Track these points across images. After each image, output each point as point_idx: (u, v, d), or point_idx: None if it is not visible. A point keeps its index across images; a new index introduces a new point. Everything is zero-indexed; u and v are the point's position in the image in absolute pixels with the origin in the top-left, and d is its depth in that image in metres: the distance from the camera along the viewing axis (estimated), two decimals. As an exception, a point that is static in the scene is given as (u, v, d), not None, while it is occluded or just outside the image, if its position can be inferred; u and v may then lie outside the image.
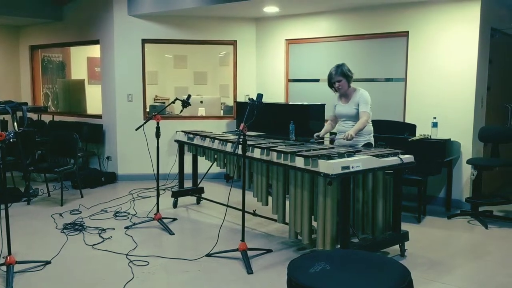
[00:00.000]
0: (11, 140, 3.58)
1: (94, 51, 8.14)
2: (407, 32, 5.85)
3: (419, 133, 5.56)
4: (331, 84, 4.51)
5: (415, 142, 5.28)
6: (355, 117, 4.45)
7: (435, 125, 5.44)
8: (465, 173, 5.60)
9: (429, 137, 5.40)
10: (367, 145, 4.49)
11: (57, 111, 8.59)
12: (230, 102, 7.77)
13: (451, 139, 5.42)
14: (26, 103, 6.55)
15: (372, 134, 4.60)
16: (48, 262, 3.95)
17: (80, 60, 9.27)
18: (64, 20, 7.86)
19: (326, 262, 2.20)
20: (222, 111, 7.86)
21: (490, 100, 5.94)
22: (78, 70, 9.24)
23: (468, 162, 5.32)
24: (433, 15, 5.63)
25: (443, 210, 5.60)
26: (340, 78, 4.43)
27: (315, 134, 4.75)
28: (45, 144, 6.67)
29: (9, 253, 3.65)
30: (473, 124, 5.47)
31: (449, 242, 4.61)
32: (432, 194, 5.80)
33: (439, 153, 5.23)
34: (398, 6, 5.86)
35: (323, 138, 4.72)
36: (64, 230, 4.82)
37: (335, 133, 4.86)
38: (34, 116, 8.15)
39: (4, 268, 3.65)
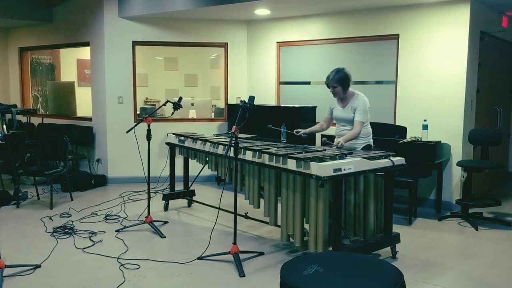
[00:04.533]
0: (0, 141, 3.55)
1: (84, 53, 8.10)
2: (398, 35, 5.89)
3: (410, 135, 5.59)
4: (328, 86, 4.46)
5: (406, 144, 5.31)
6: (352, 122, 4.41)
7: (425, 127, 5.48)
8: (455, 175, 5.64)
9: (419, 140, 5.44)
10: (367, 147, 4.46)
11: (46, 113, 8.52)
12: (221, 105, 7.76)
13: (441, 142, 5.45)
14: (15, 105, 6.49)
15: (371, 136, 4.57)
16: (38, 266, 3.91)
17: (69, 62, 9.20)
18: (53, 22, 7.81)
19: (319, 264, 2.19)
20: (213, 114, 7.85)
21: (480, 103, 6.00)
22: (67, 72, 9.18)
23: (458, 164, 5.36)
24: (423, 18, 5.67)
25: (433, 212, 5.63)
26: (335, 84, 4.37)
27: (295, 130, 4.67)
28: (35, 147, 6.61)
29: (-2, 257, 3.62)
30: (463, 127, 5.52)
31: (439, 244, 4.63)
32: (422, 196, 5.84)
33: (429, 155, 5.26)
34: (388, 9, 5.90)
35: (300, 135, 4.64)
36: (54, 234, 4.77)
37: (326, 136, 4.85)
38: (23, 119, 8.08)
39: (-7, 272, 3.61)
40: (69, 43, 7.73)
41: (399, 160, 4.06)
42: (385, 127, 5.70)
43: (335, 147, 4.28)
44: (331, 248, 3.75)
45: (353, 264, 2.25)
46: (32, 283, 3.63)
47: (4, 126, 6.12)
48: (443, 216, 5.39)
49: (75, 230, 4.86)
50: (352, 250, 3.73)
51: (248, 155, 4.26)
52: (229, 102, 7.39)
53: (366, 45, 6.23)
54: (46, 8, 7.73)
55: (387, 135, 5.51)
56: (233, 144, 3.91)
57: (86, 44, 7.36)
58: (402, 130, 5.64)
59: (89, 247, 4.41)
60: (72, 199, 6.12)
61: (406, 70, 5.86)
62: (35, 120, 8.06)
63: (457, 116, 5.53)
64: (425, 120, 5.51)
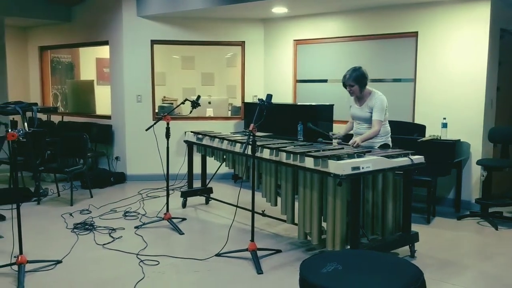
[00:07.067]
0: (21, 138, 3.61)
1: (103, 52, 8.19)
2: (416, 32, 5.84)
3: (429, 134, 5.54)
4: (345, 86, 4.45)
5: (425, 143, 5.27)
6: (369, 120, 4.40)
7: (444, 125, 5.42)
8: (474, 174, 5.58)
9: (438, 138, 5.39)
10: (384, 146, 4.43)
11: (66, 111, 8.64)
12: (238, 103, 7.78)
13: (461, 140, 5.40)
14: (36, 104, 6.59)
15: (389, 134, 4.55)
16: (59, 262, 3.98)
17: (89, 61, 9.32)
18: (73, 21, 7.91)
19: (338, 262, 2.20)
20: (229, 112, 7.88)
21: (500, 101, 5.92)
22: (87, 71, 9.30)
23: (478, 163, 5.30)
24: (442, 15, 5.62)
25: (452, 211, 5.58)
26: (352, 83, 4.36)
27: (331, 133, 4.65)
28: (55, 145, 6.71)
29: (21, 252, 3.68)
30: (482, 125, 5.45)
31: (458, 243, 4.59)
32: (441, 195, 5.78)
33: (448, 154, 5.21)
34: (407, 7, 5.85)
35: (332, 138, 4.62)
36: (75, 230, 4.85)
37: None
38: (44, 117, 8.20)
39: (15, 267, 3.67)
40: (88, 42, 7.84)
41: (418, 158, 4.03)
42: (403, 125, 5.65)
43: (350, 146, 4.27)
44: (348, 247, 3.74)
45: (373, 262, 2.25)
46: (53, 279, 3.70)
47: (25, 124, 6.24)
48: (462, 215, 5.33)
49: (95, 227, 4.93)
50: (370, 249, 3.72)
51: (265, 153, 4.27)
52: (245, 101, 7.41)
53: (384, 42, 6.19)
54: (65, 8, 7.84)
55: (406, 134, 5.48)
56: (250, 142, 3.92)
57: (105, 43, 7.45)
58: (421, 129, 5.60)
59: (109, 243, 4.47)
60: (91, 196, 6.21)
61: (425, 68, 5.81)
62: (55, 118, 8.18)
63: (477, 114, 5.46)
64: (444, 118, 5.46)
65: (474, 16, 5.39)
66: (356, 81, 4.36)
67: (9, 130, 3.55)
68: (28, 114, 6.33)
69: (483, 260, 4.17)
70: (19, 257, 3.66)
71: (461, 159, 5.46)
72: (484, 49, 5.36)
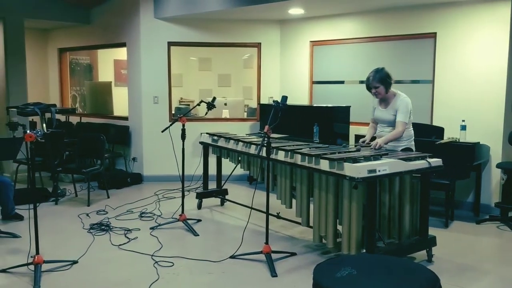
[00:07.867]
0: (39, 138, 3.65)
1: (121, 53, 8.26)
2: (435, 33, 5.76)
3: (447, 136, 5.46)
4: (369, 88, 4.38)
5: (443, 145, 5.19)
6: (393, 123, 4.32)
7: (463, 128, 5.33)
8: (494, 177, 5.47)
9: (457, 141, 5.30)
10: (406, 150, 4.33)
11: (84, 112, 8.73)
12: (254, 104, 7.77)
13: (480, 143, 5.30)
14: (55, 105, 6.67)
15: (413, 138, 4.46)
16: (75, 262, 4.01)
17: (107, 62, 9.41)
18: (91, 23, 8.00)
19: (353, 267, 2.17)
20: (245, 113, 7.87)
21: (521, 103, 5.80)
22: (105, 73, 9.39)
23: (498, 166, 5.20)
24: (461, 16, 5.53)
25: (471, 215, 5.48)
26: (377, 84, 4.28)
27: (361, 140, 4.52)
28: (73, 145, 6.80)
29: (37, 252, 3.72)
30: (503, 127, 5.35)
31: (477, 248, 4.51)
32: (460, 199, 5.69)
33: (467, 156, 5.12)
34: (425, 7, 5.77)
35: (369, 144, 4.44)
36: (91, 230, 4.89)
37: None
38: (62, 118, 8.31)
39: (32, 267, 3.71)
40: (106, 44, 7.91)
41: (436, 161, 3.96)
42: (421, 127, 5.56)
43: (373, 148, 4.21)
44: (364, 251, 3.70)
45: (388, 267, 2.21)
46: (69, 279, 3.73)
47: (44, 125, 6.33)
48: (481, 220, 5.24)
49: (111, 227, 4.96)
50: (386, 253, 3.67)
51: (280, 155, 4.25)
52: (261, 102, 7.40)
53: (401, 43, 6.11)
54: (84, 10, 7.93)
55: (424, 136, 5.39)
56: (265, 144, 3.91)
57: (122, 44, 7.51)
58: (439, 131, 5.52)
59: (124, 244, 4.50)
60: (108, 197, 6.26)
61: (443, 69, 5.72)
62: (74, 119, 8.28)
63: (497, 116, 5.36)
64: (463, 121, 5.37)
65: (494, 17, 5.29)
66: (381, 81, 4.28)
67: (27, 131, 3.60)
68: (47, 115, 6.41)
69: (503, 265, 4.08)
70: (36, 257, 3.70)
71: (481, 162, 5.36)
72: (504, 50, 5.26)
